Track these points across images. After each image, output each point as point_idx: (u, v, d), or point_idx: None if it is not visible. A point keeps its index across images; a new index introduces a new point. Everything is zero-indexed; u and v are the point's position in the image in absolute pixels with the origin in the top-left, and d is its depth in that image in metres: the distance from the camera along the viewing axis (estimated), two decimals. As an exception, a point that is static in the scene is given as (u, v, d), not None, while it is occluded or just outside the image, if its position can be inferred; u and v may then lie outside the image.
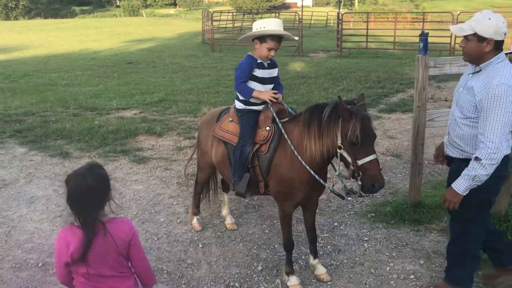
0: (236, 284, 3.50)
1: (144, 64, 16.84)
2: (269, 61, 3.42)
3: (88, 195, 2.15)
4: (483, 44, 2.69)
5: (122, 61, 17.71)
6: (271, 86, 3.50)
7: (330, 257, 3.85)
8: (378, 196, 4.91)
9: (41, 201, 4.97)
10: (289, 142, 3.19)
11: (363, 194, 2.98)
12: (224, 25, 26.76)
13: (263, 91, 3.38)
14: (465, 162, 2.80)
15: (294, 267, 3.54)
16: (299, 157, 3.12)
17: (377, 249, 3.94)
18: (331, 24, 36.19)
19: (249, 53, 3.42)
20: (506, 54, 4.25)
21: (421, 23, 22.38)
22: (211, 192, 4.43)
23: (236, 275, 3.62)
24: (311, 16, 36.88)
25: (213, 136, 3.78)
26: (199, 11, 46.51)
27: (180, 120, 8.31)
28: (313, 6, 63.47)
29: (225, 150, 3.63)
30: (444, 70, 4.26)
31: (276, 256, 3.87)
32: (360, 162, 2.83)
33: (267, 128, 3.36)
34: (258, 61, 3.36)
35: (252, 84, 3.39)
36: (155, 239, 4.17)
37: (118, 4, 78.68)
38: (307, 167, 3.10)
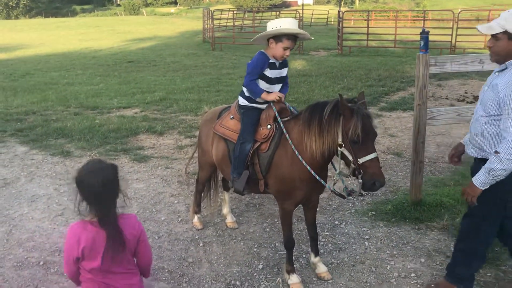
0: (237, 283, 3.51)
1: (145, 63, 16.84)
2: (280, 61, 3.40)
3: (107, 189, 2.18)
4: None
5: (122, 60, 17.71)
6: (280, 86, 3.49)
7: (331, 255, 3.85)
8: (379, 195, 4.91)
9: (42, 200, 4.98)
10: (289, 141, 3.19)
11: (363, 193, 2.98)
12: (225, 24, 26.73)
13: (270, 93, 3.36)
14: (483, 161, 2.78)
15: (295, 266, 3.54)
16: (300, 156, 3.12)
17: (378, 247, 3.95)
18: (332, 23, 36.13)
19: (262, 50, 3.39)
20: None
21: (422, 21, 22.37)
22: (212, 190, 4.43)
23: (237, 274, 3.62)
24: (312, 14, 36.81)
25: (213, 134, 3.78)
26: (199, 10, 46.49)
27: (181, 118, 8.32)
28: (313, 4, 63.37)
29: (225, 148, 3.63)
30: (445, 68, 4.25)
31: (277, 255, 3.88)
32: (361, 160, 2.83)
33: (268, 126, 3.35)
34: (271, 60, 3.33)
35: (259, 82, 3.38)
36: (156, 237, 4.18)
37: (118, 2, 78.63)
38: (308, 166, 3.10)
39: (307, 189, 3.24)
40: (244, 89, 3.49)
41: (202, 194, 4.37)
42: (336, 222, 4.40)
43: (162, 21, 43.90)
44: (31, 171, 5.82)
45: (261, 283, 3.50)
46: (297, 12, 23.31)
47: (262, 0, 60.69)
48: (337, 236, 4.16)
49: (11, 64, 17.56)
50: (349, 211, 4.63)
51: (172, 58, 18.04)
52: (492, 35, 2.75)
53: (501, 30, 2.68)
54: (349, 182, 3.15)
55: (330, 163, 3.29)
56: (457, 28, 16.82)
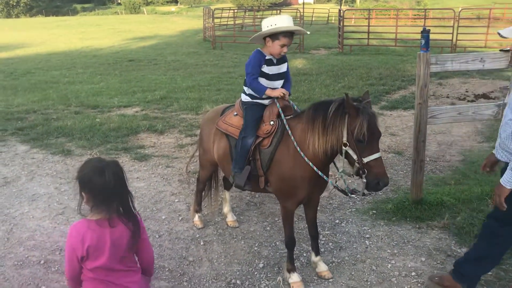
0: (238, 282, 3.51)
1: (146, 62, 16.83)
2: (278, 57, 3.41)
3: (119, 185, 2.19)
4: None
5: (123, 59, 17.70)
6: (281, 82, 3.49)
7: (332, 254, 3.85)
8: (380, 193, 4.91)
9: (42, 199, 4.98)
10: (292, 138, 3.19)
11: (366, 193, 2.99)
12: (225, 23, 26.70)
13: (274, 89, 3.37)
14: None
15: (295, 264, 3.54)
16: (302, 153, 3.12)
17: (378, 246, 3.94)
18: (333, 21, 36.06)
19: (258, 48, 3.40)
20: (501, 51, 4.22)
21: (423, 20, 22.32)
22: (212, 189, 4.43)
23: (238, 273, 3.62)
24: (313, 13, 36.74)
25: (215, 132, 3.77)
26: (200, 9, 46.40)
27: (181, 117, 8.31)
28: (314, 3, 63.24)
29: (227, 144, 3.62)
30: (446, 67, 4.25)
31: (278, 254, 3.88)
32: (365, 160, 2.83)
33: (271, 122, 3.35)
34: (267, 57, 3.35)
35: (260, 80, 3.39)
36: (157, 236, 4.18)
37: (119, 1, 78.56)
38: (310, 163, 3.09)
39: (309, 188, 3.24)
40: (246, 88, 3.49)
41: (203, 193, 4.37)
42: (337, 221, 4.40)
43: (163, 20, 43.88)
44: (31, 170, 5.82)
45: (262, 282, 3.50)
46: (298, 11, 23.29)
47: (262, -1, 60.56)
48: (337, 235, 4.16)
49: (11, 63, 17.56)
50: (350, 209, 4.63)
51: (172, 57, 18.03)
52: None
53: None
54: (350, 181, 3.14)
55: (331, 164, 3.29)
56: (458, 26, 16.78)
